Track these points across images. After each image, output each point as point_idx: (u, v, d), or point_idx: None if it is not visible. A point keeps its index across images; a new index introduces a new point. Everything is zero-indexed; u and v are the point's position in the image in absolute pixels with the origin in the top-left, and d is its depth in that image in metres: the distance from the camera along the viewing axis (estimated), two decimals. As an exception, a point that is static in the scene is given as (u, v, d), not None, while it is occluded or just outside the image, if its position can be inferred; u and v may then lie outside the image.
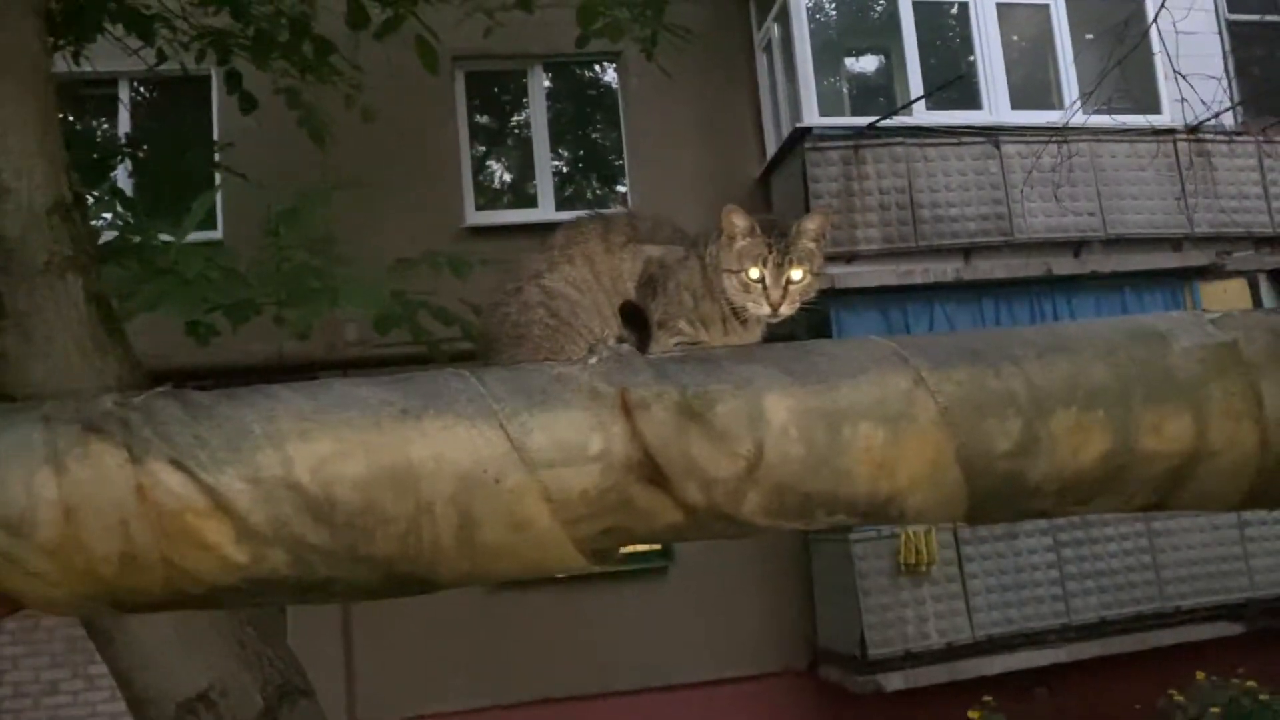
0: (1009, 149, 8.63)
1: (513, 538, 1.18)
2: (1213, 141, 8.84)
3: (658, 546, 8.53)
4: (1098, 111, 7.71)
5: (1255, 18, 9.24)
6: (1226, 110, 8.74)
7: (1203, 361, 1.32)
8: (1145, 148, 8.63)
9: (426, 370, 1.33)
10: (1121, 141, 8.68)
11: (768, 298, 1.46)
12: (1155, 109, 8.82)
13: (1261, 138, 8.78)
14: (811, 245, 1.50)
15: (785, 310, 1.47)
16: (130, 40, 5.08)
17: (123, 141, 7.35)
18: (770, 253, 1.46)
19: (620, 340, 1.37)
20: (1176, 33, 6.15)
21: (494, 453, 1.15)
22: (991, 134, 8.67)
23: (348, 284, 2.70)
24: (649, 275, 1.53)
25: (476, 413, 1.17)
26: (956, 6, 9.28)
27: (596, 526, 1.21)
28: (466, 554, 1.18)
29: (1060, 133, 7.57)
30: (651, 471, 1.18)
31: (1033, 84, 9.27)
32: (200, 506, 1.11)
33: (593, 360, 1.24)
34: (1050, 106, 8.89)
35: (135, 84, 9.17)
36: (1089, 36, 9.19)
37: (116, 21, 4.91)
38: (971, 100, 8.98)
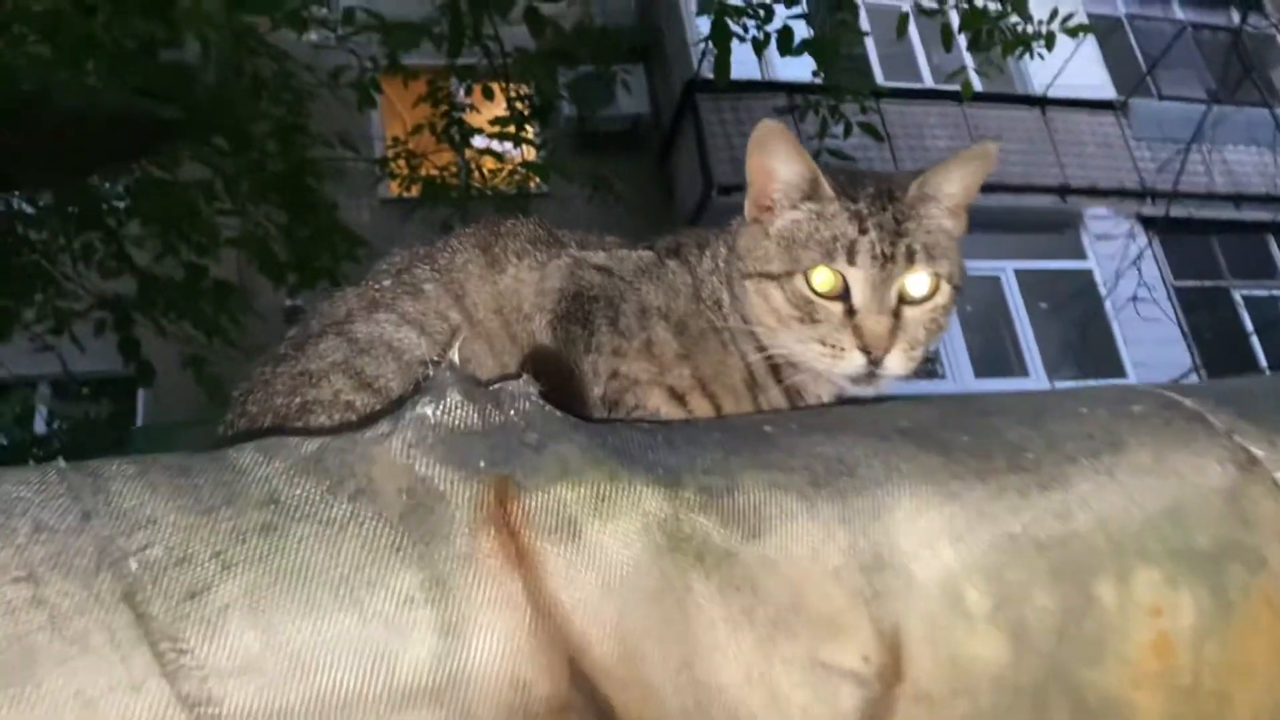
0: (977, 419, 8.31)
1: None
2: (1181, 404, 8.61)
3: None
4: (1061, 379, 7.49)
5: (1197, 283, 9.33)
6: (1190, 372, 8.60)
7: None
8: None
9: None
10: (1090, 406, 8.43)
11: (860, 334, 0.69)
12: (1120, 373, 8.65)
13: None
14: (948, 225, 0.74)
15: (894, 364, 0.71)
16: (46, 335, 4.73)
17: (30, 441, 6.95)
18: (863, 233, 0.70)
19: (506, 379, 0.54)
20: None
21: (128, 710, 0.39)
22: (958, 403, 8.37)
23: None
24: (576, 295, 0.76)
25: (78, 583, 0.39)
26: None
27: None
28: None
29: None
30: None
31: (993, 351, 9.12)
32: None
33: (418, 411, 0.47)
34: (1013, 373, 8.69)
35: (55, 385, 8.72)
36: (1043, 305, 9.16)
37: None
38: (932, 371, 8.73)
